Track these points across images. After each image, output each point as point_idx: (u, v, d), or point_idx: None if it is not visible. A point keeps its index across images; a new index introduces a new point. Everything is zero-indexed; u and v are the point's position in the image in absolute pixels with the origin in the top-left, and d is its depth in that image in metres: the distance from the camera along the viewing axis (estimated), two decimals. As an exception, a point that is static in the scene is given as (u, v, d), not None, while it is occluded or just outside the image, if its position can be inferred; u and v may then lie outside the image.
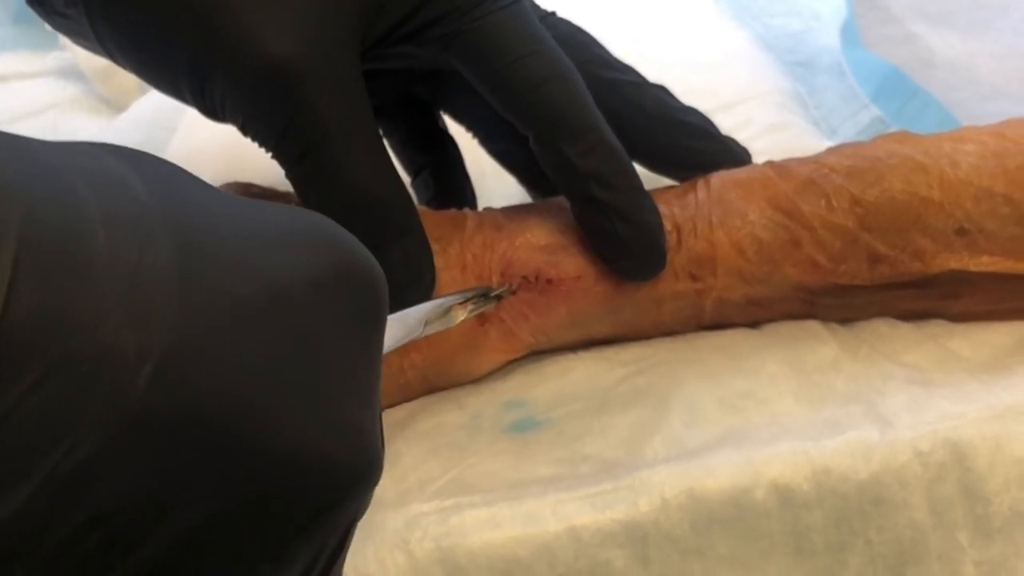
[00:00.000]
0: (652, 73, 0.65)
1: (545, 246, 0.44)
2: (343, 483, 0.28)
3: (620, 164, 0.43)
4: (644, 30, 0.71)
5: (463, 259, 0.44)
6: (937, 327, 0.45)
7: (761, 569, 0.39)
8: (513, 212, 0.46)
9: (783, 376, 0.42)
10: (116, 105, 0.65)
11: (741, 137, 0.58)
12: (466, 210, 0.46)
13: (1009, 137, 0.44)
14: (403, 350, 0.42)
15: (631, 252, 0.43)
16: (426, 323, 0.39)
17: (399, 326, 0.38)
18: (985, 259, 0.43)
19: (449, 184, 0.49)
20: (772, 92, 0.63)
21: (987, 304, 0.44)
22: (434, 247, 0.44)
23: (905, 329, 0.44)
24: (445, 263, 0.44)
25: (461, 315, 0.40)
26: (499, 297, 0.41)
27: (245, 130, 0.41)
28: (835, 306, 0.44)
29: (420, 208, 0.45)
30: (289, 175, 0.42)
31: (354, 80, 0.41)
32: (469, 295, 0.41)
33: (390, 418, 0.43)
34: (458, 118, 0.49)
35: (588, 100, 0.43)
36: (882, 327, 0.44)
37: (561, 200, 0.45)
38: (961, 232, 0.43)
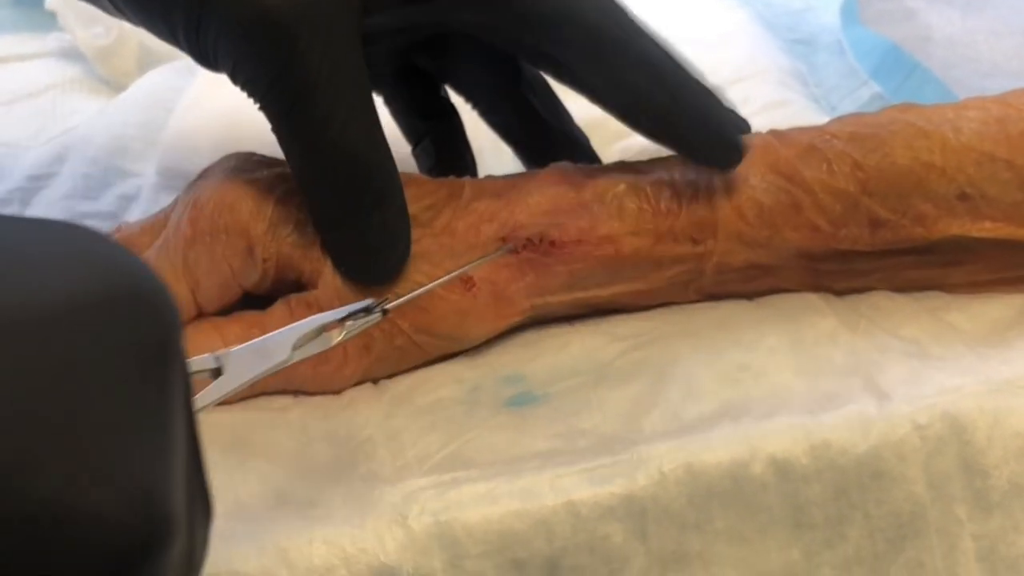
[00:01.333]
0: (651, 51, 0.65)
1: (548, 210, 0.44)
2: (123, 553, 0.23)
3: (669, 62, 0.44)
4: (645, 7, 0.71)
5: (452, 226, 0.44)
6: (936, 300, 0.45)
7: (760, 543, 0.39)
8: (514, 179, 0.46)
9: (782, 349, 0.42)
10: (115, 85, 0.65)
11: (742, 113, 0.58)
12: (466, 178, 0.46)
13: (1012, 104, 0.44)
14: (392, 315, 0.42)
15: (710, 142, 0.43)
16: (294, 347, 0.38)
17: (257, 356, 0.37)
18: (987, 225, 0.43)
19: (450, 153, 0.50)
20: (772, 70, 0.63)
21: (988, 273, 0.44)
22: (425, 214, 0.44)
23: (904, 302, 0.44)
24: (432, 230, 0.44)
25: (337, 336, 0.39)
26: (384, 312, 0.40)
27: (235, 78, 0.41)
28: (836, 272, 0.44)
29: (416, 175, 0.46)
30: (275, 129, 0.42)
31: (351, 40, 0.41)
32: (343, 314, 0.39)
33: (389, 392, 0.43)
34: (459, 89, 0.50)
35: (618, 9, 0.44)
36: (881, 300, 0.44)
37: (563, 165, 0.45)
38: (963, 197, 0.43)
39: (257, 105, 0.41)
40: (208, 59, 0.41)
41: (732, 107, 0.46)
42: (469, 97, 0.49)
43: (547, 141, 0.49)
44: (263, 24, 0.39)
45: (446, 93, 0.51)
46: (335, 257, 0.43)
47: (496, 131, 0.50)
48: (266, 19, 0.39)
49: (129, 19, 0.43)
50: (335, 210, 0.42)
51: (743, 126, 0.46)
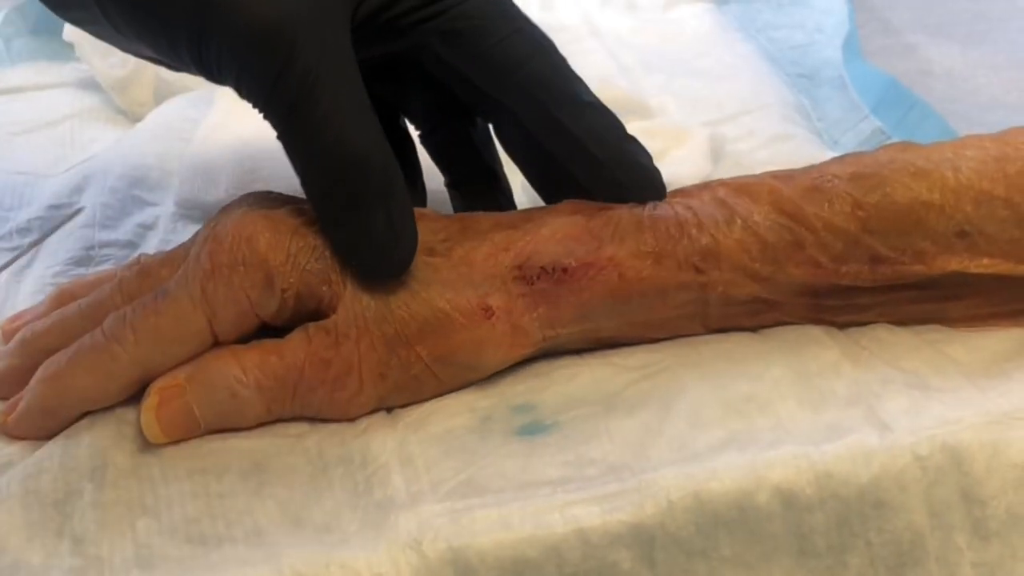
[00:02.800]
0: (658, 84, 0.67)
1: (561, 238, 0.45)
2: None
3: (609, 120, 0.48)
4: (651, 42, 0.73)
5: (471, 257, 0.45)
6: (936, 333, 0.46)
7: (764, 570, 0.40)
8: (530, 212, 0.47)
9: (786, 380, 0.43)
10: (132, 116, 0.66)
11: (745, 147, 0.60)
12: (480, 212, 0.47)
13: (1010, 143, 0.45)
14: (407, 342, 0.43)
15: (632, 194, 0.47)
16: None
17: None
18: (985, 261, 0.44)
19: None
20: (776, 104, 0.64)
21: (987, 306, 0.45)
22: (442, 245, 0.45)
23: (905, 335, 0.45)
24: (451, 260, 0.45)
25: None
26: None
27: (239, 88, 0.43)
28: (838, 307, 0.45)
29: (430, 211, 0.47)
30: (279, 134, 0.43)
31: (344, 42, 0.43)
32: None
33: (403, 420, 0.44)
34: (404, 112, 0.52)
35: (570, 69, 0.48)
36: (882, 333, 0.45)
37: (577, 200, 0.47)
38: (961, 235, 0.44)
39: (261, 113, 0.43)
40: (212, 72, 0.43)
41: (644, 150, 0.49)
42: (412, 119, 0.52)
43: (473, 170, 0.51)
44: (263, 29, 0.41)
45: (405, 124, 0.53)
46: (344, 255, 0.44)
47: (429, 152, 0.52)
48: (266, 24, 0.41)
49: (128, 41, 0.44)
50: (341, 209, 0.43)
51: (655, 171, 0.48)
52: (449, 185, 0.53)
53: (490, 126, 0.51)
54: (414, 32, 0.46)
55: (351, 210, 0.43)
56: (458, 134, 0.52)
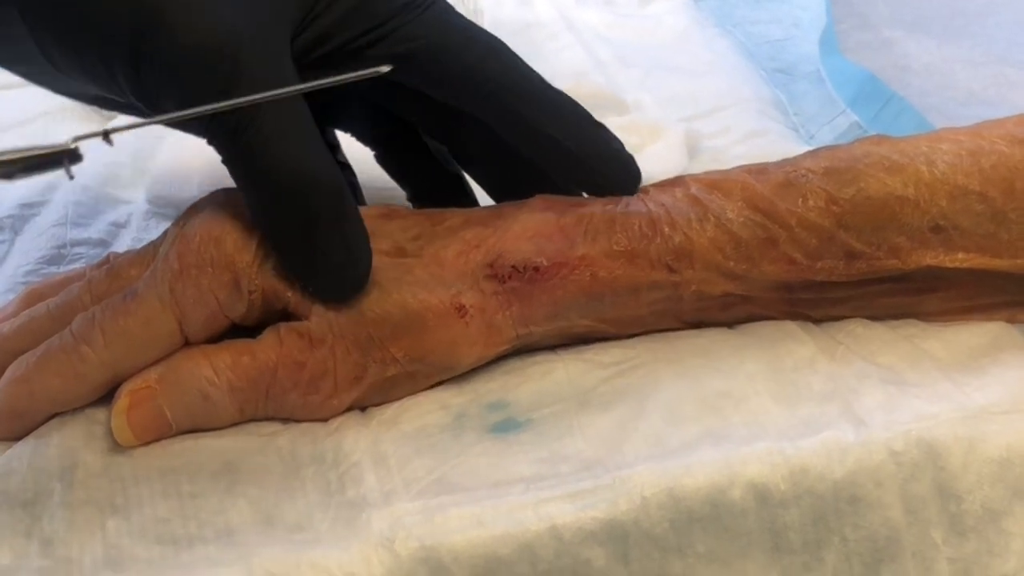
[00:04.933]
0: (634, 79, 0.67)
1: (531, 236, 0.45)
2: None
3: (576, 110, 0.47)
4: (627, 37, 0.73)
5: (441, 255, 0.45)
6: (912, 328, 0.45)
7: (739, 566, 0.39)
8: (500, 208, 0.47)
9: (761, 376, 0.43)
10: (105, 113, 0.66)
11: (721, 143, 0.60)
12: (452, 209, 0.47)
13: (985, 136, 0.45)
14: (381, 344, 0.43)
15: (608, 182, 0.47)
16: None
17: None
18: (960, 255, 0.44)
19: None
20: (752, 99, 0.64)
21: (963, 300, 0.45)
22: (413, 244, 0.45)
23: (881, 330, 0.45)
24: (422, 260, 0.45)
25: None
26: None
27: (184, 127, 0.42)
28: (812, 300, 0.45)
29: (399, 207, 0.47)
30: (224, 159, 0.42)
31: (286, 63, 0.42)
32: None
33: (376, 418, 0.44)
34: (346, 130, 0.52)
35: (526, 65, 0.47)
36: (858, 328, 0.45)
37: (547, 196, 0.47)
38: (936, 229, 0.44)
39: (204, 139, 0.42)
40: (151, 97, 0.42)
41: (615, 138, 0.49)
42: (363, 141, 0.51)
43: (436, 182, 0.50)
44: (204, 48, 0.40)
45: (336, 139, 0.52)
46: (300, 278, 0.43)
47: (388, 171, 0.51)
48: (207, 44, 0.40)
49: (63, 76, 0.44)
50: (294, 233, 0.42)
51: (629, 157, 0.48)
52: (412, 199, 0.52)
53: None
54: (360, 59, 0.45)
55: (304, 234, 0.42)
56: (415, 148, 0.51)
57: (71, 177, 0.38)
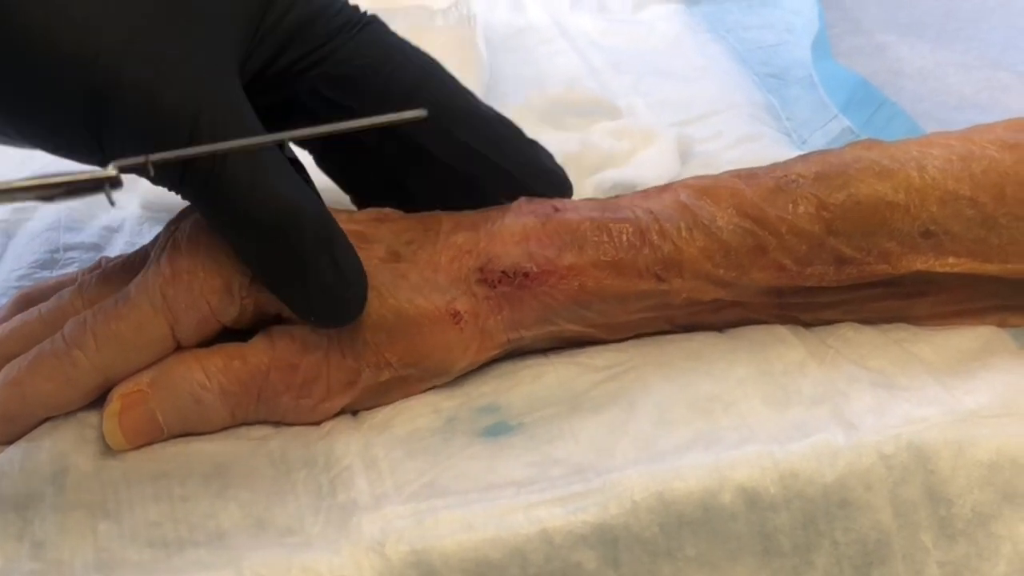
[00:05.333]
0: (627, 85, 0.67)
1: (519, 240, 0.45)
2: None
3: (510, 129, 0.49)
4: (620, 43, 0.73)
5: (435, 260, 0.45)
6: (903, 332, 0.46)
7: (729, 570, 0.39)
8: (487, 213, 0.47)
9: (751, 379, 0.43)
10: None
11: (713, 148, 0.60)
12: (442, 212, 0.47)
13: (975, 141, 0.45)
14: (376, 348, 0.43)
15: (552, 187, 0.48)
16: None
17: None
18: (951, 260, 0.44)
19: None
20: (745, 104, 0.64)
21: (953, 304, 0.45)
22: (407, 248, 0.45)
23: (871, 334, 0.45)
24: (417, 265, 0.45)
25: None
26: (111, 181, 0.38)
27: (152, 177, 0.41)
28: (803, 305, 0.45)
29: (393, 212, 0.47)
30: (203, 209, 0.43)
31: (241, 100, 0.42)
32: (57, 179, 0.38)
33: (367, 421, 0.44)
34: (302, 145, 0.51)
35: (460, 85, 0.48)
36: (849, 332, 0.45)
37: (532, 199, 0.47)
38: (927, 234, 0.44)
39: (179, 194, 0.42)
40: (115, 158, 0.41)
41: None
42: (301, 145, 0.51)
43: (379, 185, 0.50)
44: (163, 110, 0.40)
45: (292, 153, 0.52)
46: (299, 311, 0.43)
47: (329, 175, 0.51)
48: (166, 104, 0.40)
49: (8, 140, 0.44)
50: (285, 267, 0.42)
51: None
52: (358, 205, 0.51)
53: None
54: (300, 81, 0.46)
55: (296, 265, 0.42)
56: (354, 150, 0.50)
57: (112, 203, 0.39)
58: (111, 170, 0.38)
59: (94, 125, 0.41)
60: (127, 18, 0.41)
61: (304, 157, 0.50)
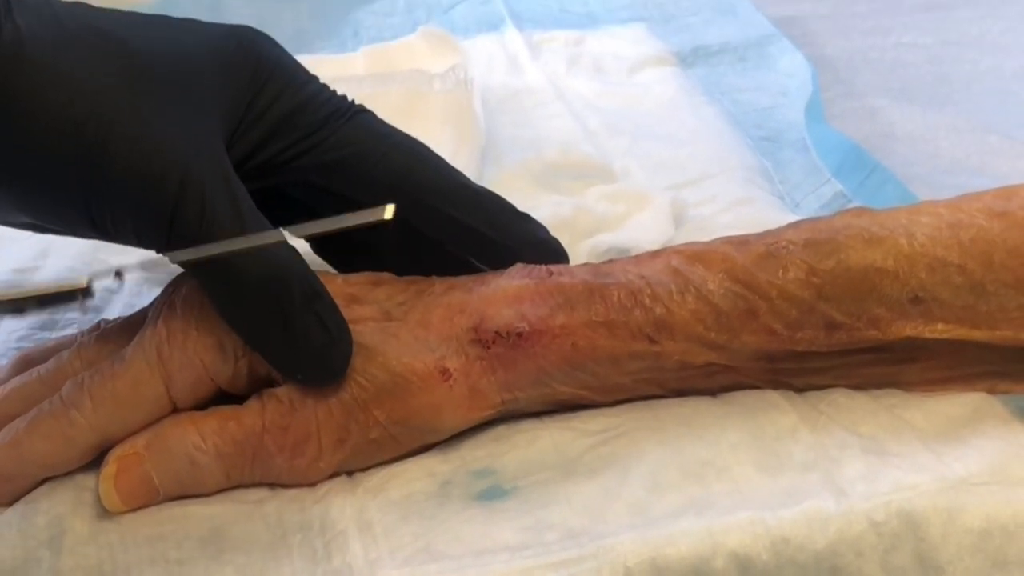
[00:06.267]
0: (622, 147, 0.68)
1: (513, 302, 0.46)
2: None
3: (501, 203, 0.50)
4: (616, 105, 0.73)
5: (427, 319, 0.45)
6: (893, 398, 0.46)
7: (722, 635, 0.40)
8: (483, 276, 0.48)
9: (743, 445, 0.44)
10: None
11: (707, 212, 0.60)
12: (434, 277, 0.48)
13: (964, 209, 0.46)
14: (364, 406, 0.44)
15: (547, 257, 0.49)
16: None
17: None
18: (940, 326, 0.45)
19: None
20: (738, 167, 0.65)
21: (942, 370, 0.46)
22: (399, 309, 0.46)
23: (862, 400, 0.46)
24: (407, 324, 0.45)
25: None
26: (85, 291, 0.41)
27: (139, 240, 0.43)
28: (794, 370, 0.46)
29: (386, 275, 0.48)
30: (188, 271, 0.44)
31: (226, 167, 0.44)
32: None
33: (362, 484, 0.44)
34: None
35: (448, 165, 0.50)
36: (840, 398, 0.46)
37: (528, 265, 0.48)
38: (916, 301, 0.45)
39: (168, 257, 0.43)
40: (108, 232, 0.43)
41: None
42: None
43: (369, 265, 0.50)
44: (150, 181, 0.42)
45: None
46: (284, 371, 0.44)
47: (321, 256, 0.52)
48: (152, 175, 0.42)
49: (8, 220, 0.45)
50: (273, 326, 0.43)
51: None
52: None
53: None
54: (289, 169, 0.47)
55: (284, 324, 0.43)
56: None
57: (85, 313, 0.40)
58: (84, 281, 0.39)
59: (83, 190, 0.42)
60: (116, 89, 0.42)
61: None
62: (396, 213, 0.39)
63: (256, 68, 0.47)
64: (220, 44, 0.46)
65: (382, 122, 0.49)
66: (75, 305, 0.56)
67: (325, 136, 0.47)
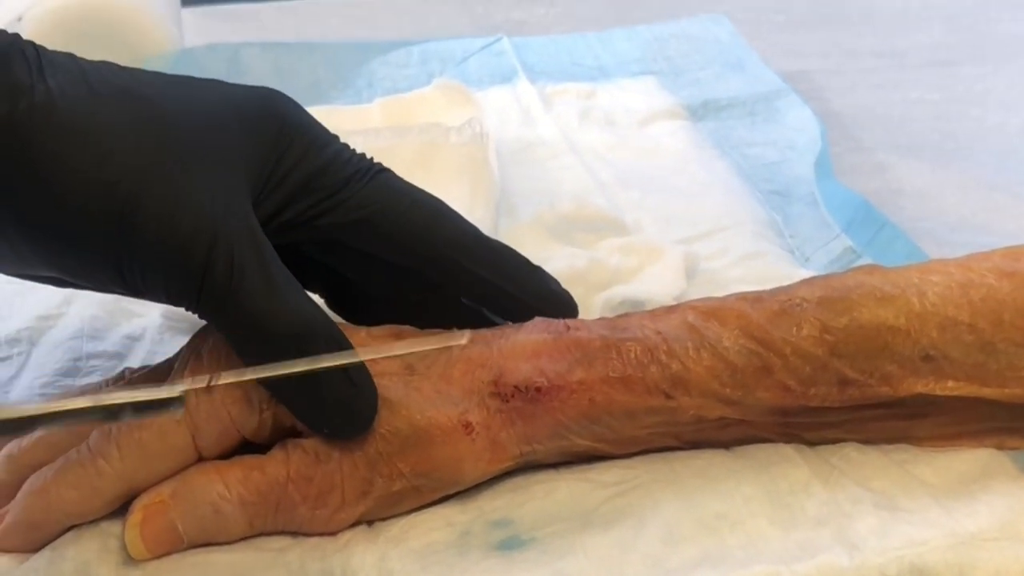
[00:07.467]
0: (634, 200, 0.69)
1: (531, 357, 0.46)
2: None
3: (517, 258, 0.51)
4: (627, 158, 0.74)
5: (448, 373, 0.46)
6: (904, 453, 0.47)
7: None
8: (502, 329, 0.49)
9: (757, 498, 0.45)
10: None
11: (718, 265, 0.61)
12: (454, 330, 0.48)
13: (974, 269, 0.47)
14: (388, 459, 0.44)
15: (559, 309, 0.50)
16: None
17: None
18: (950, 384, 0.46)
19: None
20: (748, 221, 0.65)
21: (953, 425, 0.47)
22: (421, 363, 0.47)
23: (874, 455, 0.46)
24: (430, 378, 0.46)
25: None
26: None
27: (169, 297, 0.44)
28: (807, 424, 0.47)
29: (409, 328, 0.49)
30: (219, 327, 0.44)
31: (253, 224, 0.45)
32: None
33: (383, 534, 0.45)
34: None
35: (464, 220, 0.51)
36: (852, 452, 0.47)
37: (546, 319, 0.49)
38: (927, 359, 0.46)
39: (194, 312, 0.44)
40: (138, 290, 0.44)
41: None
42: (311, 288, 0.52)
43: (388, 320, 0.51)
44: (182, 242, 0.43)
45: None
46: (311, 423, 0.45)
47: (342, 316, 0.53)
48: (183, 236, 0.43)
49: (28, 266, 0.46)
50: (300, 379, 0.43)
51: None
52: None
53: None
54: (311, 229, 0.48)
55: (312, 380, 0.43)
56: (366, 296, 0.52)
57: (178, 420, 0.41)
58: (177, 391, 0.40)
59: (115, 248, 0.43)
60: (146, 149, 0.43)
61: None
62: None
63: (280, 129, 0.48)
64: (244, 105, 0.47)
65: (402, 180, 0.50)
66: (98, 349, 0.57)
67: (347, 196, 0.48)
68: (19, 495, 0.45)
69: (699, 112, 0.81)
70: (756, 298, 0.47)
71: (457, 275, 0.50)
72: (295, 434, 0.45)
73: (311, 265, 0.50)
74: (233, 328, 0.44)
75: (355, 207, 0.48)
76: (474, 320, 0.50)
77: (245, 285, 0.43)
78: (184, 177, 0.43)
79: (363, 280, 0.51)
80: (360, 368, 0.44)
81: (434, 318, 0.50)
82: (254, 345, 0.44)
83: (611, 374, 0.46)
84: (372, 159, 0.50)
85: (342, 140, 0.50)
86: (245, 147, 0.46)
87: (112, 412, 0.39)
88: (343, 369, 0.44)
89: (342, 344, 0.45)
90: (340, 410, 0.44)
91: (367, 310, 0.51)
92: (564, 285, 0.52)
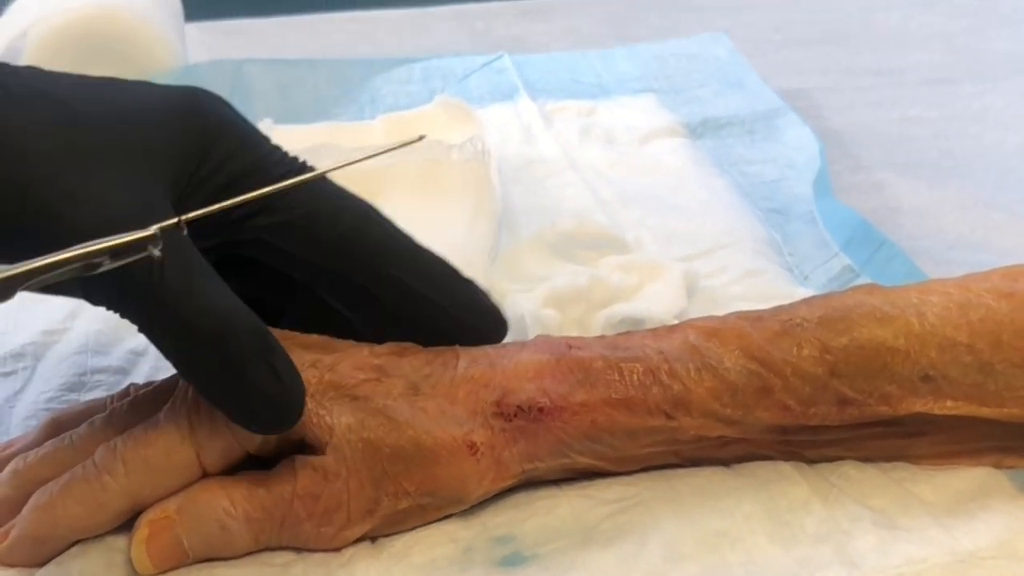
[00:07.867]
0: (634, 218, 0.69)
1: (533, 377, 0.47)
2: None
3: (445, 268, 0.50)
4: (628, 176, 0.75)
5: (453, 393, 0.47)
6: (903, 471, 0.47)
7: None
8: (504, 348, 0.49)
9: (757, 516, 0.45)
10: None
11: (718, 283, 0.62)
12: (458, 348, 0.49)
13: (972, 289, 0.47)
14: (395, 479, 0.45)
15: (476, 332, 0.50)
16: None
17: None
18: (949, 403, 0.46)
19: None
20: (748, 239, 0.66)
21: (951, 444, 0.47)
22: (426, 382, 0.47)
23: (872, 472, 0.47)
24: (435, 398, 0.46)
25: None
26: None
27: (90, 297, 0.44)
28: (806, 442, 0.47)
29: (411, 345, 0.49)
30: (141, 327, 0.44)
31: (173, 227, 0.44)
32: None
33: (387, 550, 0.45)
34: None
35: (397, 227, 0.50)
36: (850, 470, 0.47)
37: (548, 337, 0.49)
38: (926, 379, 0.46)
39: (117, 313, 0.44)
40: (61, 293, 0.45)
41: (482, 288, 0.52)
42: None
43: (321, 328, 0.51)
44: (97, 235, 0.41)
45: None
46: (241, 421, 0.45)
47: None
48: (99, 231, 0.40)
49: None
50: (226, 378, 0.43)
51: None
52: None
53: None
54: (240, 228, 0.48)
55: (237, 375, 0.43)
56: (295, 293, 0.52)
57: (157, 258, 0.40)
58: (152, 231, 0.39)
59: (34, 252, 0.41)
60: (57, 150, 0.43)
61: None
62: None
63: (203, 128, 0.47)
64: (167, 104, 0.47)
65: (334, 184, 0.50)
66: (103, 364, 0.57)
67: (275, 197, 0.47)
68: (24, 510, 0.45)
69: (698, 130, 0.82)
70: (757, 317, 0.48)
71: (383, 281, 0.49)
72: (300, 449, 0.46)
73: (252, 265, 0.50)
74: (155, 323, 0.44)
75: (284, 208, 0.48)
76: (409, 330, 0.50)
77: (166, 277, 0.42)
78: (97, 176, 0.43)
79: (286, 283, 0.51)
80: (286, 363, 0.44)
81: (372, 325, 0.50)
82: (177, 339, 0.43)
83: (613, 395, 0.46)
84: (304, 162, 0.50)
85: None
86: (165, 146, 0.46)
87: (90, 262, 0.39)
88: (270, 366, 0.44)
89: (267, 339, 0.44)
90: (266, 405, 0.44)
91: (282, 313, 0.51)
92: (565, 303, 0.53)
